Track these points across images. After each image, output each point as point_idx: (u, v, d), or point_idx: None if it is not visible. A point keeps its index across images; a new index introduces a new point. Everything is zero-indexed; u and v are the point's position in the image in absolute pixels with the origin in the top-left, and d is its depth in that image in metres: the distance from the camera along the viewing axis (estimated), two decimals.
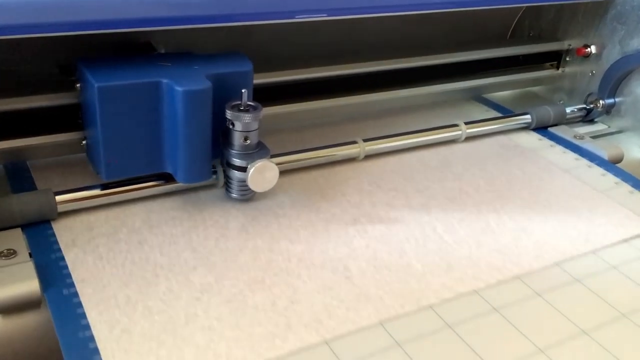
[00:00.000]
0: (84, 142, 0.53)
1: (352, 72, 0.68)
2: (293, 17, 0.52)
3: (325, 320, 0.42)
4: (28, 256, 0.44)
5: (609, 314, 0.45)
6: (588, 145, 0.68)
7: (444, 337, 0.41)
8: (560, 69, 0.81)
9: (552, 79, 0.82)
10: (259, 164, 0.50)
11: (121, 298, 0.42)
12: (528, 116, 0.71)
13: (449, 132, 0.66)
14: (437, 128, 0.66)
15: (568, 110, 0.74)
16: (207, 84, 0.48)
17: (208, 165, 0.51)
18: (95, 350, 0.37)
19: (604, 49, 0.74)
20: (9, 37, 0.43)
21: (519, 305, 0.45)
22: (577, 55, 0.77)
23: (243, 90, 0.49)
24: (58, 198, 0.48)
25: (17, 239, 0.45)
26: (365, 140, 0.61)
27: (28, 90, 0.53)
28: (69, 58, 0.52)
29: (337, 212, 0.53)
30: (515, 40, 0.84)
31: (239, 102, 0.50)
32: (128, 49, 0.55)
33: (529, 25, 0.83)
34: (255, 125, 0.50)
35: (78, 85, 0.50)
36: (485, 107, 0.78)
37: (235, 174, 0.52)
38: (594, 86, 0.76)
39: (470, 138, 0.67)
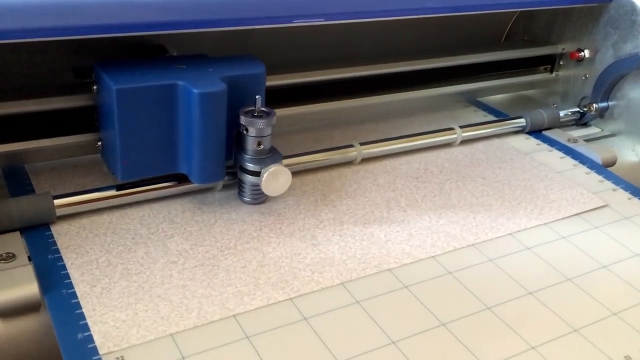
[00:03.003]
0: (99, 143, 0.53)
1: (346, 76, 0.68)
2: (291, 22, 0.52)
3: (291, 280, 0.45)
4: (27, 259, 0.44)
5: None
6: (582, 148, 0.69)
7: (400, 296, 0.45)
8: (554, 72, 0.81)
9: (546, 83, 0.82)
10: (273, 168, 0.51)
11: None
12: (522, 120, 0.72)
13: (445, 135, 0.66)
14: (433, 132, 0.66)
15: (562, 113, 0.75)
16: (222, 86, 0.48)
17: (222, 166, 0.52)
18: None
19: (597, 53, 0.75)
20: (24, 40, 0.44)
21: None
22: (571, 59, 0.78)
23: (257, 97, 0.51)
24: (56, 202, 0.48)
25: (16, 243, 0.45)
26: (362, 144, 0.61)
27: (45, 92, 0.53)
28: (81, 61, 0.53)
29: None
30: (509, 44, 0.85)
31: (253, 108, 0.51)
32: (140, 52, 0.56)
33: (523, 29, 0.84)
34: (268, 131, 0.51)
35: (95, 87, 0.51)
36: (480, 111, 0.78)
37: (249, 179, 0.52)
38: (588, 90, 0.76)
39: (465, 141, 0.68)
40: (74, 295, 0.42)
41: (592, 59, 0.76)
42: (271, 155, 0.52)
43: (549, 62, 0.81)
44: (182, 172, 0.52)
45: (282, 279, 0.45)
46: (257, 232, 0.50)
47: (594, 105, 0.75)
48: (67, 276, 0.43)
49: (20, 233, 0.46)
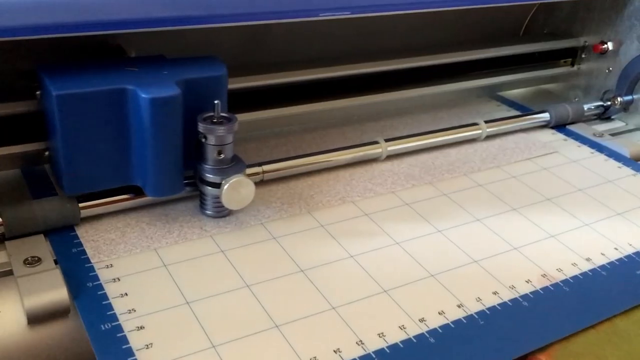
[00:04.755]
0: (46, 153, 0.50)
1: (367, 72, 0.67)
2: (317, 15, 0.51)
3: (263, 210, 0.51)
4: (53, 263, 0.43)
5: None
6: (609, 142, 0.67)
7: (362, 221, 0.51)
8: (575, 66, 0.80)
9: (567, 76, 0.81)
10: (234, 179, 0.47)
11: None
12: (547, 114, 0.70)
13: (470, 130, 0.65)
14: (458, 127, 0.65)
15: (585, 107, 0.73)
16: (176, 91, 0.44)
17: (179, 178, 0.48)
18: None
19: (621, 45, 0.73)
20: None
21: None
22: (594, 52, 0.76)
23: (216, 102, 0.46)
24: (82, 204, 0.47)
25: (41, 246, 0.44)
26: (387, 140, 0.60)
27: None
28: (31, 63, 0.48)
29: None
30: (530, 37, 0.83)
31: (212, 114, 0.47)
32: (96, 53, 0.52)
33: (544, 21, 0.82)
34: (229, 139, 0.47)
35: (38, 92, 0.47)
36: (501, 105, 0.77)
37: (209, 190, 0.49)
38: (611, 83, 0.75)
39: (490, 136, 0.67)
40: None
41: (615, 51, 0.74)
42: (233, 165, 0.48)
43: (571, 55, 0.80)
44: (136, 184, 0.48)
45: (255, 209, 0.51)
46: None
47: (618, 98, 0.73)
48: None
49: (45, 236, 0.45)
